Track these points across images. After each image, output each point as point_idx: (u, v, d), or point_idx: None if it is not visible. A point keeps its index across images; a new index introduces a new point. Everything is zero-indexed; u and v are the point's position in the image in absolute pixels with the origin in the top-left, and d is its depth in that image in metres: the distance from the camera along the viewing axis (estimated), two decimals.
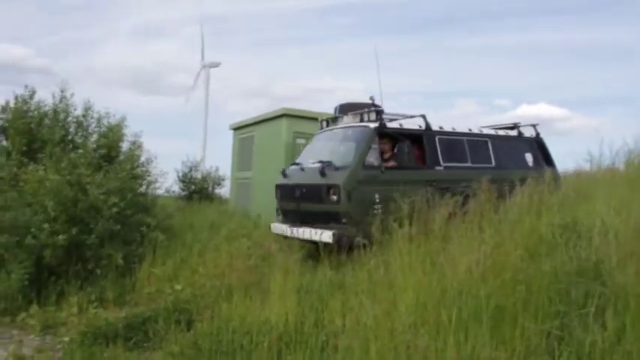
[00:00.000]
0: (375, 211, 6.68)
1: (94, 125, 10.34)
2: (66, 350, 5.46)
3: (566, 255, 4.06)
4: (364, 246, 5.53)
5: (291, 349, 3.89)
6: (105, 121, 10.36)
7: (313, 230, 7.08)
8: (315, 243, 7.15)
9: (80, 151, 9.11)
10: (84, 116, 10.25)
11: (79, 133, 10.13)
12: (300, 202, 7.69)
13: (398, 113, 8.16)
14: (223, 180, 16.70)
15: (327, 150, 8.13)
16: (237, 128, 14.94)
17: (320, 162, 7.43)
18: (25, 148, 9.13)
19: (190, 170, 16.26)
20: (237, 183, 14.98)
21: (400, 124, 7.81)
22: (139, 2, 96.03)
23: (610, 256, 3.66)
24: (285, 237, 7.83)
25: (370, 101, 7.93)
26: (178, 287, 6.80)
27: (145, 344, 5.38)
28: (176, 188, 15.74)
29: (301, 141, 11.44)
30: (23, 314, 6.52)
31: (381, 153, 7.70)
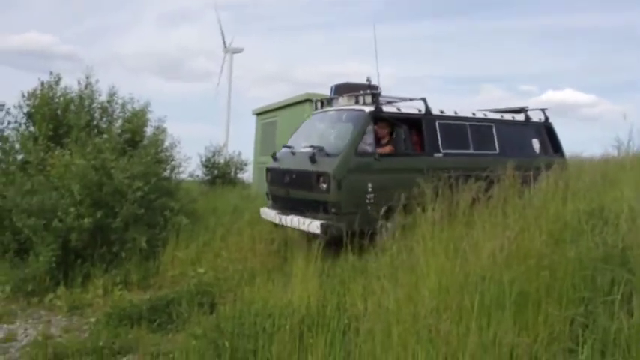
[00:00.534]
0: (368, 201, 6.49)
1: (118, 111, 10.45)
2: (92, 330, 5.57)
3: (591, 241, 4.00)
4: (353, 236, 5.37)
5: (313, 332, 3.90)
6: (129, 107, 10.47)
7: (302, 219, 6.77)
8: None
9: (105, 136, 9.22)
10: (109, 102, 10.35)
11: (104, 119, 10.24)
12: (290, 188, 7.34)
13: (397, 96, 7.80)
14: (246, 165, 16.78)
15: (320, 133, 7.83)
16: (260, 113, 14.98)
17: (311, 147, 7.11)
18: (51, 134, 9.24)
19: (213, 155, 16.34)
20: (259, 168, 15.03)
21: (398, 108, 7.41)
22: None
23: (637, 243, 3.60)
24: (275, 225, 7.55)
25: (367, 82, 7.52)
26: (201, 270, 6.89)
27: (169, 326, 5.47)
28: (199, 173, 15.83)
29: None
30: (51, 295, 6.67)
31: (379, 138, 7.36)
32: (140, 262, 7.33)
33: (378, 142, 7.27)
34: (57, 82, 10.10)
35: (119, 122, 10.27)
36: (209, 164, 16.16)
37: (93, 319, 5.94)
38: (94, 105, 10.15)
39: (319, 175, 6.64)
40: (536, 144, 8.73)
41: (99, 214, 7.23)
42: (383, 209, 6.08)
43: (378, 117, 7.10)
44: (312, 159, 6.72)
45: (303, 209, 6.88)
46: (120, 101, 10.43)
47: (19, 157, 9.03)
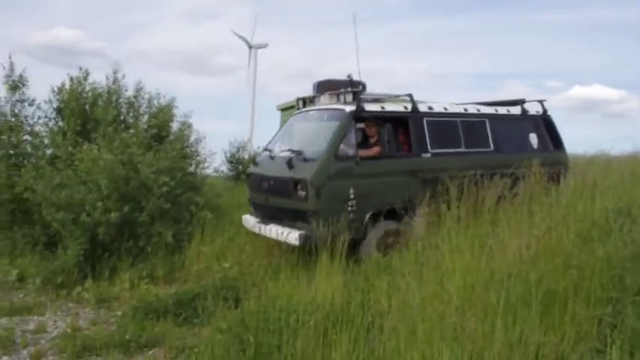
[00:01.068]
0: (350, 208, 6.18)
1: (144, 106, 10.55)
2: (119, 324, 5.66)
3: (620, 240, 3.95)
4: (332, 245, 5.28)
5: (337, 328, 3.92)
6: (155, 102, 10.57)
7: (280, 229, 6.46)
8: None
9: (132, 131, 9.32)
10: (135, 97, 10.47)
11: (131, 114, 10.35)
12: (269, 195, 6.98)
13: (382, 93, 7.52)
14: None
15: (300, 135, 7.47)
16: (284, 109, 15.01)
17: (290, 150, 6.77)
18: (79, 128, 9.36)
19: (238, 151, 16.40)
20: None
21: (382, 107, 6.96)
22: None
23: None
24: (255, 234, 7.25)
25: (348, 79, 7.17)
26: (226, 265, 6.95)
27: (194, 320, 5.54)
28: (224, 168, 15.92)
29: None
30: (79, 288, 6.78)
31: (367, 138, 7.08)
32: (166, 257, 7.41)
33: (366, 142, 7.00)
34: (85, 78, 10.23)
35: (145, 117, 10.38)
36: (234, 160, 16.24)
37: (120, 313, 6.04)
38: (121, 100, 10.27)
39: (297, 182, 6.28)
40: (533, 138, 8.30)
41: (126, 209, 7.32)
42: (367, 215, 6.14)
43: (359, 117, 6.73)
44: (290, 164, 6.39)
45: (283, 218, 6.61)
46: (146, 96, 10.55)
47: (49, 151, 9.18)
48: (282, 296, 4.66)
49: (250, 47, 27.47)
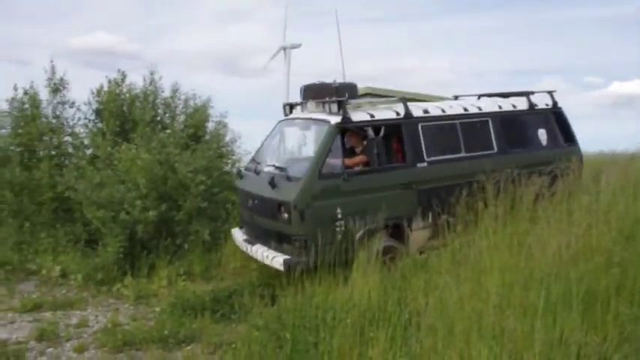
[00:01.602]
0: (339, 229, 5.69)
1: (181, 106, 10.68)
2: (158, 319, 5.77)
3: None
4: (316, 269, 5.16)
5: (374, 326, 3.91)
6: (191, 102, 10.69)
7: (265, 252, 6.02)
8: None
9: (168, 131, 9.49)
10: (172, 98, 10.61)
11: (167, 114, 10.50)
12: (254, 214, 6.50)
13: (373, 99, 6.98)
14: None
15: (285, 148, 6.95)
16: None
17: (274, 166, 6.30)
18: (118, 129, 9.54)
19: None
20: None
21: (371, 115, 6.29)
22: None
23: None
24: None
25: (333, 84, 6.45)
26: None
27: (231, 317, 5.60)
28: None
29: None
30: (118, 285, 6.93)
31: (354, 150, 6.54)
32: (203, 254, 7.50)
33: (353, 155, 6.44)
34: (123, 80, 10.43)
35: (182, 117, 10.52)
36: None
37: (158, 309, 6.16)
38: (158, 101, 10.43)
39: (279, 204, 5.83)
40: (542, 134, 7.56)
41: (163, 207, 7.45)
42: (359, 234, 5.63)
43: (346, 128, 6.16)
44: (272, 183, 5.88)
45: (268, 239, 6.19)
46: (182, 97, 10.69)
47: (89, 151, 9.41)
48: (319, 294, 4.68)
49: (284, 48, 27.55)
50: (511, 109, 7.43)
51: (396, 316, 4.01)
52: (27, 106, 9.47)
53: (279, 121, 7.32)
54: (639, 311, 3.20)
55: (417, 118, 6.45)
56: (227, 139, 10.48)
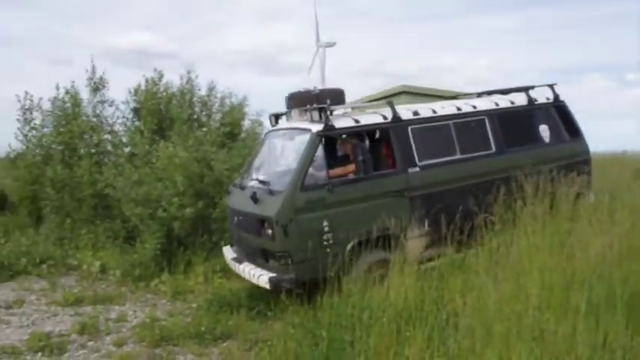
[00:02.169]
0: (326, 243, 5.35)
1: (217, 105, 10.82)
2: (194, 315, 5.85)
3: None
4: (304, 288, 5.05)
5: (410, 325, 3.88)
6: (227, 101, 10.82)
7: (252, 270, 5.72)
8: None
9: (205, 129, 9.60)
10: (208, 96, 10.75)
11: (204, 113, 10.65)
12: (240, 231, 6.23)
13: (359, 103, 6.62)
14: None
15: (268, 160, 6.58)
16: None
17: (257, 180, 5.98)
18: (155, 127, 9.70)
19: None
20: None
21: (356, 120, 5.93)
22: None
23: None
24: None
25: (313, 91, 6.09)
26: None
27: (267, 314, 5.63)
28: None
29: None
30: (156, 281, 7.05)
31: (341, 158, 6.27)
32: None
33: (340, 164, 6.08)
34: (160, 79, 10.61)
35: (218, 116, 10.65)
36: None
37: (195, 305, 6.23)
38: (195, 99, 10.58)
39: (262, 219, 5.55)
40: (544, 130, 7.09)
41: (200, 204, 7.53)
42: (349, 246, 5.40)
43: (329, 136, 5.87)
44: (254, 198, 5.60)
45: (255, 257, 5.91)
46: (219, 95, 10.82)
47: (127, 149, 9.61)
48: (355, 293, 4.66)
49: (318, 45, 27.56)
50: (509, 105, 6.95)
51: (433, 315, 3.97)
52: (68, 105, 9.74)
53: (266, 133, 7.12)
54: None
55: (406, 120, 6.07)
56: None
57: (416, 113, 6.18)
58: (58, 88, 9.80)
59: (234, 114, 10.47)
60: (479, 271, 4.35)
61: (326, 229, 5.36)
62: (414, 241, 5.79)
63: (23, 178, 9.56)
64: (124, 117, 10.30)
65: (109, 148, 9.80)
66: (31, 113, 9.86)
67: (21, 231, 8.91)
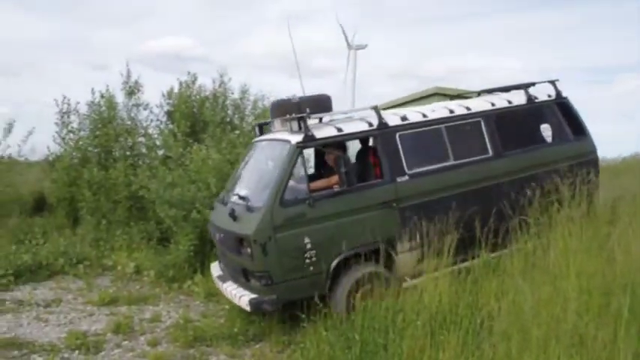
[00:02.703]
0: (309, 261, 5.09)
1: (250, 107, 10.91)
2: (227, 317, 5.88)
3: None
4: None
5: (444, 329, 3.83)
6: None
7: (234, 290, 5.49)
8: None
9: (238, 131, 9.68)
10: (240, 99, 10.86)
11: (237, 115, 10.75)
12: (222, 247, 6.00)
13: (344, 110, 6.30)
14: None
15: (250, 173, 6.23)
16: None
17: (238, 195, 5.62)
18: (188, 130, 9.82)
19: None
20: None
21: (339, 129, 5.57)
22: None
23: None
24: None
25: (293, 100, 5.78)
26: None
27: (300, 316, 5.62)
28: None
29: None
30: (189, 282, 7.12)
31: (321, 171, 6.10)
32: None
33: (322, 176, 5.95)
34: (193, 82, 10.74)
35: (251, 118, 10.72)
36: None
37: (227, 307, 6.24)
38: (228, 102, 10.68)
39: (241, 238, 5.26)
40: (546, 130, 6.56)
41: None
42: (333, 264, 5.16)
43: (309, 147, 5.57)
44: (233, 216, 5.32)
45: (237, 276, 5.66)
46: (251, 98, 10.91)
47: (161, 152, 9.74)
48: (389, 295, 4.64)
49: (350, 48, 27.60)
50: (506, 105, 6.45)
51: (467, 319, 3.91)
52: (104, 108, 9.92)
53: (251, 144, 6.81)
54: None
55: (394, 127, 5.71)
56: None
57: (404, 118, 5.82)
58: (94, 92, 10.02)
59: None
60: (514, 275, 4.27)
61: (308, 246, 5.08)
62: (405, 255, 5.46)
63: (61, 180, 9.77)
64: (157, 120, 10.47)
65: (144, 150, 9.96)
66: (68, 117, 10.11)
67: (59, 232, 9.15)
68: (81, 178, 9.28)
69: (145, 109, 10.38)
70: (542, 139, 6.48)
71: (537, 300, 3.64)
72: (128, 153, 9.78)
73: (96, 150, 9.72)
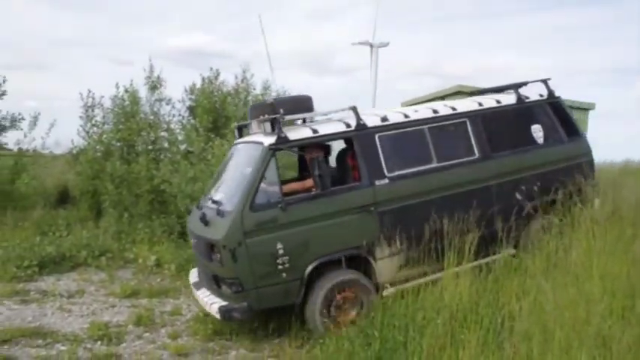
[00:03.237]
0: (281, 267, 4.92)
1: None
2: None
3: None
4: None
5: (465, 328, 3.82)
6: None
7: (206, 297, 5.35)
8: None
9: None
10: (263, 95, 10.89)
11: None
12: (195, 252, 5.89)
13: (322, 111, 5.84)
14: None
15: (225, 177, 6.02)
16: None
17: (211, 200, 5.53)
18: (210, 125, 9.90)
19: None
20: None
21: (314, 130, 5.36)
22: None
23: None
24: None
25: (268, 102, 5.62)
26: None
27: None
28: None
29: None
30: None
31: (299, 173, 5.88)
32: None
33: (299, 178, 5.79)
34: (216, 78, 10.81)
35: None
36: None
37: None
38: (250, 98, 10.72)
39: (210, 243, 5.11)
40: (537, 131, 6.31)
41: None
42: (307, 270, 5.00)
43: (282, 149, 5.29)
44: (204, 220, 5.20)
45: (209, 282, 5.49)
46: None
47: (183, 146, 9.82)
48: (409, 293, 4.63)
49: (371, 46, 27.51)
50: (494, 105, 6.20)
51: (488, 318, 3.89)
52: (127, 102, 10.02)
53: (231, 146, 6.62)
54: None
55: (373, 128, 5.50)
56: None
57: (384, 119, 5.58)
58: (117, 86, 10.13)
59: None
60: (536, 274, 4.24)
61: (280, 251, 4.91)
62: (385, 261, 5.28)
63: (84, 173, 9.90)
64: (180, 115, 10.56)
65: (166, 145, 10.05)
66: (92, 111, 10.24)
67: (82, 224, 9.29)
68: (104, 171, 9.40)
69: (167, 104, 10.48)
70: (534, 141, 6.25)
71: (560, 301, 3.61)
72: (150, 147, 9.87)
73: (119, 144, 9.83)
